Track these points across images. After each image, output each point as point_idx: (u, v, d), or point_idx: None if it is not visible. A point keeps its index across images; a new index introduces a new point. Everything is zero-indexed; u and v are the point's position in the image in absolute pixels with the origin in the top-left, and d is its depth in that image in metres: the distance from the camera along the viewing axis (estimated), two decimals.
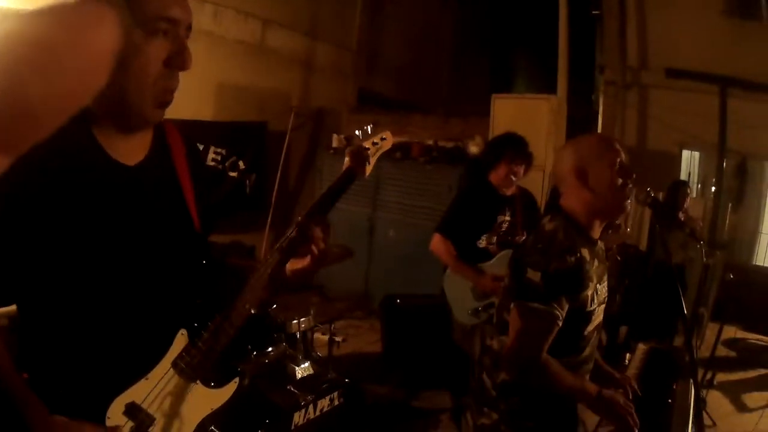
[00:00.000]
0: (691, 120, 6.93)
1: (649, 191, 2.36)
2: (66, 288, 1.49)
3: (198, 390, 1.66)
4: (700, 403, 2.37)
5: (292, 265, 1.74)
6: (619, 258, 5.34)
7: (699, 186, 7.78)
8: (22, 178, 1.26)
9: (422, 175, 7.03)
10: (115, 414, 1.56)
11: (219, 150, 6.91)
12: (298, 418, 3.30)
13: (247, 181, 7.21)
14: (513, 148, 4.06)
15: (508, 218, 4.09)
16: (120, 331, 1.56)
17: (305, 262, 1.74)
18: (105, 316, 1.54)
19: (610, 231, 4.51)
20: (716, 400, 5.23)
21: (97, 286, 1.51)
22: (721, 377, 5.35)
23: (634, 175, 2.28)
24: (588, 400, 2.20)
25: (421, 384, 5.17)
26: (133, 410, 1.58)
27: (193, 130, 6.57)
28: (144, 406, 1.59)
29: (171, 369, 1.63)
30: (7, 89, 0.62)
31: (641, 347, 3.26)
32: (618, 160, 2.25)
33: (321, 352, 4.41)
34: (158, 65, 1.39)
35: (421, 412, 4.82)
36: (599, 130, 7.21)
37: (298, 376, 3.57)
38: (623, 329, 5.88)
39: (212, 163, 6.86)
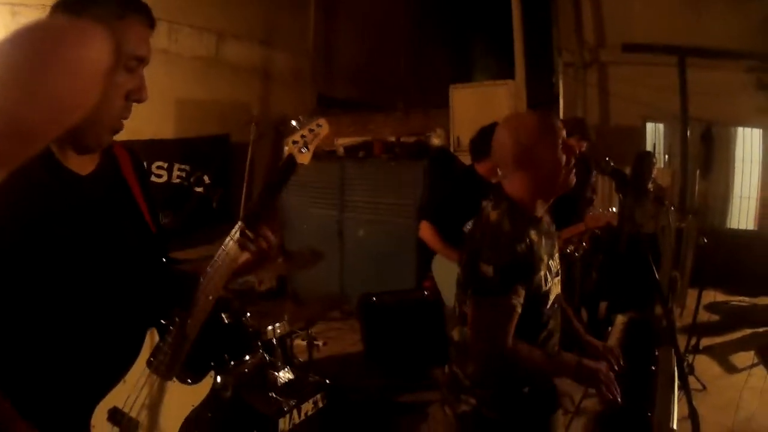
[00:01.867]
0: (652, 93, 6.97)
1: (608, 160, 2.36)
2: (29, 297, 1.48)
3: (176, 388, 1.68)
4: (685, 367, 2.36)
5: (242, 258, 1.75)
6: (597, 233, 5.36)
7: (666, 157, 7.84)
8: None
9: (386, 172, 7.01)
10: (99, 422, 1.59)
11: (183, 167, 6.88)
12: (284, 424, 3.26)
13: (214, 196, 7.16)
14: None
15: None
16: (90, 337, 1.57)
17: (248, 256, 1.75)
18: (73, 323, 1.55)
19: (590, 210, 4.55)
20: (704, 364, 5.27)
21: (60, 292, 1.51)
22: (706, 341, 5.39)
23: (576, 151, 2.28)
24: (569, 372, 2.20)
25: (407, 379, 5.16)
26: (116, 415, 1.60)
27: (155, 149, 6.55)
28: (126, 410, 1.61)
29: (146, 369, 1.65)
30: None
31: (620, 319, 3.27)
32: (558, 137, 2.23)
33: (302, 358, 4.39)
34: (122, 98, 1.49)
35: (408, 407, 4.80)
36: (561, 111, 7.24)
37: (280, 382, 3.53)
38: (603, 305, 5.91)
39: (177, 180, 6.82)
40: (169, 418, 1.67)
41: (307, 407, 3.43)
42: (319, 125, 1.82)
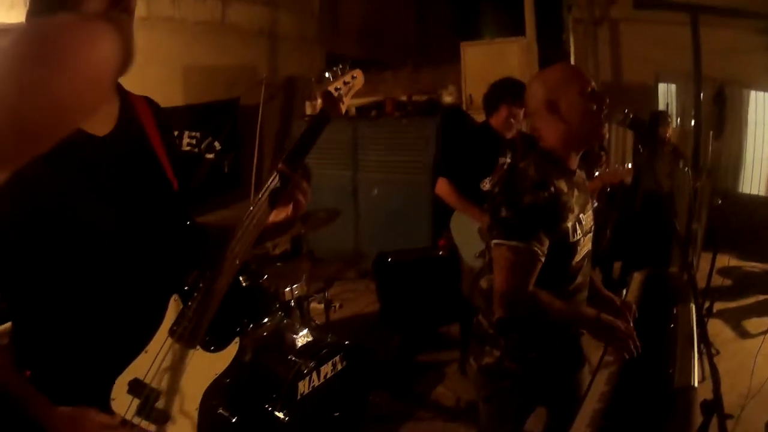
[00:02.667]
0: (665, 52, 6.84)
1: (627, 111, 2.33)
2: (51, 266, 1.48)
3: (199, 356, 1.64)
4: (704, 323, 2.35)
5: (273, 217, 1.71)
6: (608, 189, 5.32)
7: (678, 118, 7.72)
8: None
9: (399, 130, 7.00)
10: (119, 394, 1.56)
11: (193, 134, 6.83)
12: (303, 387, 3.29)
13: (225, 161, 7.15)
14: (511, 92, 4.14)
15: (509, 160, 4.11)
16: (111, 305, 1.55)
17: (287, 211, 1.73)
18: (94, 291, 1.53)
19: (599, 168, 4.50)
20: (717, 328, 5.27)
21: (81, 259, 1.50)
22: (719, 306, 5.34)
23: (607, 100, 2.26)
24: (586, 324, 2.23)
25: (423, 339, 5.20)
26: (137, 387, 1.57)
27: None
28: (147, 380, 1.57)
29: (169, 338, 1.61)
30: None
31: (636, 276, 3.24)
32: (588, 86, 2.23)
33: (319, 321, 4.42)
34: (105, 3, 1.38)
35: (425, 366, 4.84)
36: None
37: (298, 344, 3.55)
38: (617, 265, 5.89)
39: (188, 148, 6.79)
40: (193, 387, 1.64)
41: (327, 369, 3.45)
42: (354, 77, 1.81)
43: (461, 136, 4.78)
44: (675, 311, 2.64)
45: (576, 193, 2.27)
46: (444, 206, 4.40)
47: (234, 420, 3.07)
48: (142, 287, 1.60)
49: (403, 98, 7.32)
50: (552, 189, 2.15)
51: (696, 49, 6.81)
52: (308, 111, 7.65)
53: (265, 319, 3.61)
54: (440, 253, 5.49)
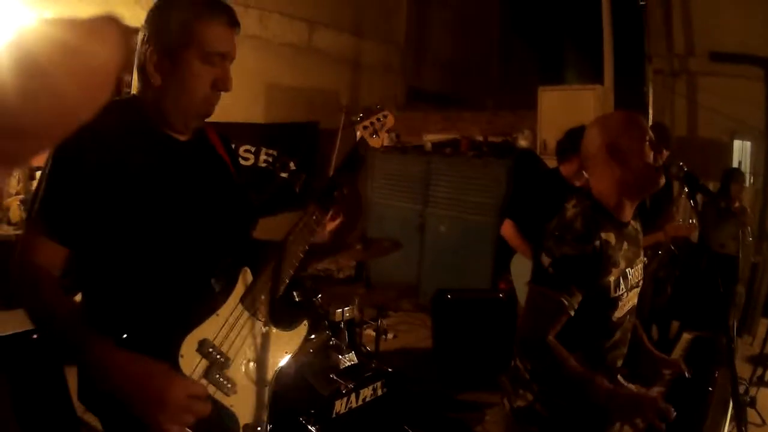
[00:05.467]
0: (742, 107, 6.67)
1: (681, 165, 2.29)
2: (136, 236, 1.69)
3: (270, 332, 1.81)
4: (743, 394, 2.27)
5: (329, 225, 2.06)
6: (674, 250, 5.21)
7: (751, 177, 7.47)
8: (99, 146, 1.62)
9: (472, 169, 7.03)
10: (189, 351, 1.64)
11: (270, 151, 7.03)
12: (340, 406, 3.33)
13: (297, 181, 7.30)
14: None
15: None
16: (186, 271, 1.76)
17: (338, 218, 2.07)
18: (171, 259, 1.74)
19: (668, 223, 4.43)
20: (767, 398, 5.06)
21: (158, 231, 1.72)
22: None
23: (664, 151, 2.24)
24: (597, 394, 2.03)
25: (471, 380, 5.16)
26: (205, 347, 1.67)
27: (244, 132, 6.72)
28: (216, 342, 1.69)
29: (240, 305, 1.77)
30: None
31: (685, 336, 3.19)
32: (646, 135, 2.21)
33: (370, 347, 4.46)
34: (207, 87, 1.74)
35: (467, 406, 4.81)
36: (650, 120, 7.04)
37: (342, 365, 3.60)
38: (675, 324, 5.74)
39: (263, 164, 6.99)
40: (261, 360, 1.77)
41: (366, 393, 3.48)
42: (384, 116, 2.11)
43: (531, 179, 4.78)
44: (716, 374, 2.57)
45: (625, 246, 2.23)
46: (507, 249, 4.41)
47: (269, 428, 3.13)
48: (215, 255, 1.83)
49: (479, 138, 7.37)
50: (597, 243, 2.11)
51: None
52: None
53: (312, 335, 3.68)
54: (500, 295, 5.47)
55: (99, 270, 1.72)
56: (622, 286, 2.21)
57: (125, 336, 1.57)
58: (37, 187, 1.66)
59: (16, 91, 0.61)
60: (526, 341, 2.14)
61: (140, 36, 1.75)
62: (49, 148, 0.72)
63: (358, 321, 4.12)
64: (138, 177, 1.69)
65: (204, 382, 1.64)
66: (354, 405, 3.41)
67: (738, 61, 6.58)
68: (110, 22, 0.69)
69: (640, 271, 2.36)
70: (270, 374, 1.80)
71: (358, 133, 2.06)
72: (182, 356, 1.62)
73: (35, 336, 3.44)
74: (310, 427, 3.18)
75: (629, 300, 2.29)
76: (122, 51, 0.69)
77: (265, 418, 1.79)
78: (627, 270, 2.24)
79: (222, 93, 1.80)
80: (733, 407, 2.31)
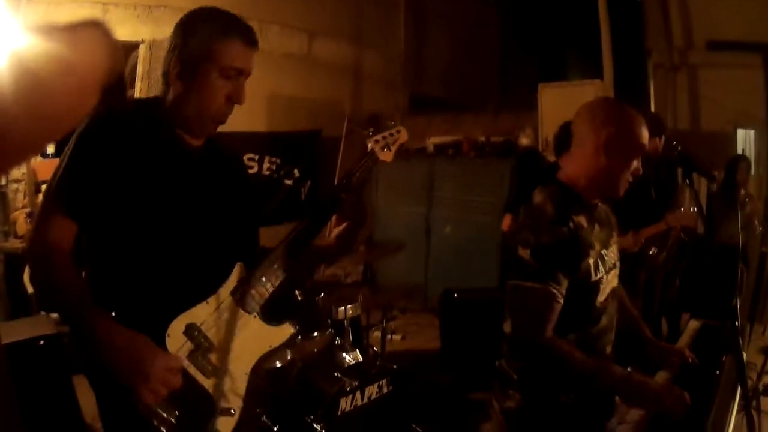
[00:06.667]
0: (743, 97, 6.63)
1: (674, 144, 2.27)
2: (141, 226, 1.82)
3: (257, 325, 1.92)
4: (744, 369, 2.23)
5: (334, 232, 2.16)
6: (685, 238, 5.14)
7: (754, 166, 7.40)
8: (120, 138, 1.78)
9: (474, 170, 7.08)
10: (175, 333, 1.79)
11: (274, 159, 7.08)
12: (345, 404, 3.30)
13: (302, 188, 7.31)
14: None
15: None
16: (184, 260, 1.88)
17: (344, 223, 2.17)
18: (172, 247, 1.86)
19: (671, 211, 4.41)
20: None
21: (167, 227, 1.85)
22: None
23: (657, 140, 2.22)
24: (615, 382, 2.03)
25: (480, 379, 5.13)
26: (192, 331, 1.81)
27: (248, 141, 6.76)
28: (203, 328, 1.82)
29: (230, 297, 1.88)
30: None
31: (693, 324, 3.15)
32: (644, 149, 2.17)
33: (377, 349, 4.44)
34: (222, 99, 1.88)
35: (476, 405, 4.78)
36: None
37: (347, 363, 3.59)
38: (685, 316, 5.68)
39: (267, 173, 7.03)
40: (244, 351, 1.88)
41: (372, 390, 3.45)
42: (398, 131, 2.19)
43: (533, 176, 4.76)
44: (723, 360, 2.53)
45: (597, 228, 2.20)
46: None
47: (275, 429, 3.13)
48: (213, 250, 1.94)
49: (481, 139, 7.38)
50: (571, 225, 2.08)
51: None
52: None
53: (315, 333, 3.68)
54: None
55: (103, 250, 1.84)
56: (601, 268, 2.17)
57: (114, 314, 1.72)
58: (57, 167, 1.78)
59: (2, 96, 0.62)
60: (524, 342, 2.10)
61: (167, 45, 1.89)
62: (33, 154, 0.71)
63: (364, 325, 4.10)
64: (150, 174, 1.83)
65: (186, 362, 1.78)
66: (359, 403, 3.38)
67: (736, 48, 6.55)
68: (95, 27, 0.70)
69: (615, 252, 2.33)
70: (250, 363, 1.91)
71: (369, 146, 2.14)
72: (168, 336, 1.78)
73: (42, 342, 3.48)
74: (315, 425, 3.17)
75: (609, 282, 2.24)
76: (108, 56, 0.70)
77: (240, 402, 1.88)
78: (602, 252, 2.20)
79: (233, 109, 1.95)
80: (741, 389, 2.25)
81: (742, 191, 5.57)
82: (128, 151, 1.79)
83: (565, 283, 2.03)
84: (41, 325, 3.65)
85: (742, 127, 7.11)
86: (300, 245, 1.98)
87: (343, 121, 7.69)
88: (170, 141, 1.92)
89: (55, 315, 3.73)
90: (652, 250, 4.62)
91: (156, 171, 1.85)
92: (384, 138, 2.14)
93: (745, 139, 7.28)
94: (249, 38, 1.91)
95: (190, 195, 1.93)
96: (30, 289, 4.50)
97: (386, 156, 2.13)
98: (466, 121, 8.16)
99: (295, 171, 7.24)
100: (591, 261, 2.12)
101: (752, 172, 6.17)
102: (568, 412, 2.17)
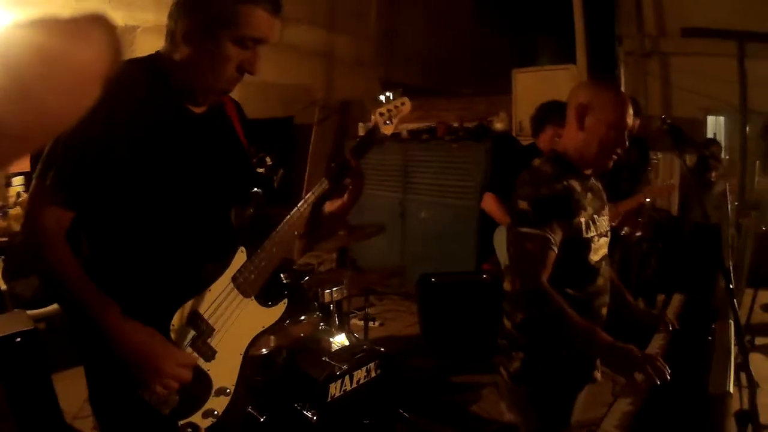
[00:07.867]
0: (714, 84, 6.70)
1: (664, 117, 2.34)
2: (143, 204, 1.74)
3: (253, 306, 1.93)
4: (744, 341, 2.26)
5: (330, 207, 2.06)
6: (657, 218, 5.22)
7: (726, 151, 7.51)
8: (117, 110, 1.61)
9: (449, 154, 7.05)
10: (179, 322, 1.79)
11: None
12: (334, 389, 3.29)
13: (275, 176, 7.25)
14: (557, 114, 4.12)
15: None
16: (186, 246, 1.83)
17: (342, 200, 2.07)
18: (173, 232, 1.80)
19: (646, 185, 4.48)
20: (757, 362, 5.07)
21: (165, 201, 1.78)
22: (760, 340, 5.16)
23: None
24: (599, 347, 2.08)
25: (462, 361, 5.14)
26: (195, 320, 1.81)
27: None
28: (206, 316, 1.83)
29: (231, 283, 1.87)
30: None
31: (677, 296, 3.17)
32: (622, 123, 2.26)
33: (359, 336, 4.42)
34: (233, 69, 1.74)
35: (462, 387, 4.79)
36: None
37: (334, 347, 3.57)
38: (660, 297, 5.75)
39: None
40: (241, 334, 1.90)
41: (360, 374, 3.44)
42: (402, 103, 2.12)
43: (510, 157, 4.80)
44: (714, 326, 2.57)
45: (589, 196, 2.33)
46: (489, 230, 4.38)
47: (262, 419, 3.10)
48: (214, 234, 1.89)
49: (455, 124, 7.36)
50: (566, 183, 2.23)
51: (742, 78, 6.65)
52: (361, 133, 7.74)
53: (302, 317, 3.64)
54: (484, 276, 5.46)
55: (103, 237, 1.78)
56: (593, 229, 2.29)
57: (117, 298, 1.69)
58: (52, 148, 1.64)
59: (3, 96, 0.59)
60: (525, 291, 2.17)
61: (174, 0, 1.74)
62: (28, 152, 0.67)
63: (346, 311, 4.07)
64: (150, 148, 1.73)
65: (189, 349, 1.79)
66: (348, 387, 3.37)
67: (710, 35, 6.61)
68: (95, 21, 0.66)
69: (606, 222, 2.44)
70: (246, 344, 1.93)
71: (374, 118, 2.09)
72: (173, 326, 1.77)
73: (18, 339, 3.39)
74: (306, 412, 3.14)
75: (601, 246, 2.36)
76: (109, 52, 0.67)
77: (234, 381, 1.90)
78: (594, 216, 2.32)
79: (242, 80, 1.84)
80: (739, 352, 2.28)
81: (714, 172, 5.63)
82: (127, 126, 1.66)
83: (559, 233, 2.17)
84: (18, 321, 3.55)
85: (713, 114, 7.19)
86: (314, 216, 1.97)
87: (314, 108, 7.62)
88: (172, 112, 1.82)
89: (32, 311, 3.66)
90: (625, 230, 4.68)
91: (156, 147, 1.75)
92: (389, 111, 2.09)
93: (714, 126, 7.37)
94: (275, 5, 1.75)
95: (193, 169, 1.84)
96: (4, 286, 4.39)
97: (387, 129, 2.10)
98: (438, 107, 8.13)
99: (268, 159, 7.17)
100: (582, 219, 2.24)
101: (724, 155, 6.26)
102: (569, 364, 2.30)
